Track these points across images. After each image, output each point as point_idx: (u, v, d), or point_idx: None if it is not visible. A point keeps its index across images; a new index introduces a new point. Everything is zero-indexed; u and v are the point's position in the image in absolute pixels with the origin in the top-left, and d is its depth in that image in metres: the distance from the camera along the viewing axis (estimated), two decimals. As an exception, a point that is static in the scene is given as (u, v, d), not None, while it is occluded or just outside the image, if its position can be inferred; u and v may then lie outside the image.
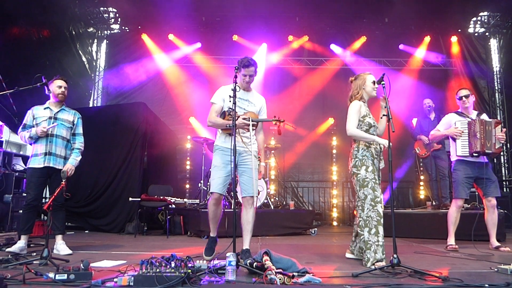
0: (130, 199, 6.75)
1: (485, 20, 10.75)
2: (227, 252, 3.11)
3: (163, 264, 2.73)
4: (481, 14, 10.63)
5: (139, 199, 6.74)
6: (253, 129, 3.89)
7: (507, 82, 10.34)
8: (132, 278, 2.65)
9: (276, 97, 10.38)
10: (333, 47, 10.68)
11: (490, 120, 4.88)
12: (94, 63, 10.83)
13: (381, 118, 3.95)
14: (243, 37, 10.60)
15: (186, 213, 6.99)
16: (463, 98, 5.00)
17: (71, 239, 5.11)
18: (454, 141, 4.95)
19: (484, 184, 4.84)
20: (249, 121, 3.83)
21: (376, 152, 3.87)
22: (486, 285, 2.78)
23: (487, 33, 10.96)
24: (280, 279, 2.73)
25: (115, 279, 2.72)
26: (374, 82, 3.96)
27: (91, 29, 10.70)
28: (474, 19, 10.77)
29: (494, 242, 4.87)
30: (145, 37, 10.58)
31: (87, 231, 7.23)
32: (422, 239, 6.03)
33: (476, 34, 11.00)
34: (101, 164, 7.33)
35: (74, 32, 9.69)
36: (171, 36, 10.55)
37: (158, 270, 2.67)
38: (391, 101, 3.73)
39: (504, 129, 4.88)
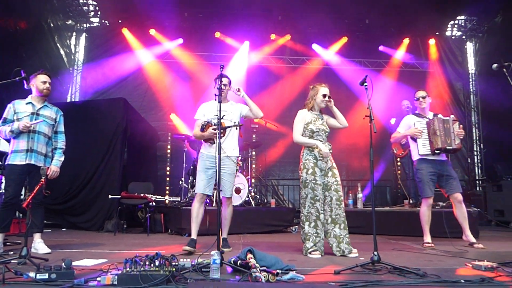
0: (110, 196, 6.66)
1: (462, 24, 11.05)
2: (211, 250, 3.11)
3: (148, 263, 2.72)
4: (458, 18, 10.92)
5: (119, 196, 6.66)
6: (221, 136, 4.29)
7: (482, 85, 10.66)
8: (116, 277, 2.62)
9: (258, 95, 10.40)
10: (315, 46, 10.77)
11: (448, 118, 5.09)
12: (72, 57, 10.60)
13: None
14: (226, 34, 10.57)
15: (167, 210, 6.94)
16: (420, 99, 5.21)
17: (48, 237, 5.01)
18: (414, 141, 5.13)
19: (445, 182, 5.02)
20: (216, 130, 4.26)
21: (320, 154, 4.23)
22: (462, 281, 2.88)
23: (463, 37, 11.27)
24: (264, 277, 2.75)
25: (98, 278, 2.68)
26: (324, 95, 4.39)
27: (69, 21, 10.47)
28: (452, 22, 11.07)
29: (470, 236, 5.00)
30: (125, 31, 10.42)
31: (64, 229, 7.08)
32: (400, 237, 6.16)
33: (453, 37, 11.30)
34: (80, 160, 7.17)
35: (52, 25, 9.46)
36: (152, 31, 10.42)
37: (142, 268, 2.66)
38: (372, 102, 3.82)
39: (461, 125, 5.09)
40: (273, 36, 10.73)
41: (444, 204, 6.83)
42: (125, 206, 6.83)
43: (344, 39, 10.79)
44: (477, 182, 10.59)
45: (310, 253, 4.08)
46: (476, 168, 10.80)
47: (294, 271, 2.99)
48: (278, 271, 2.90)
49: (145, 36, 10.44)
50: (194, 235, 4.42)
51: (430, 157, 5.02)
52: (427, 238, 5.09)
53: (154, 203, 6.96)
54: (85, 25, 10.91)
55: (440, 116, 5.14)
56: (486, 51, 10.63)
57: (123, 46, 10.38)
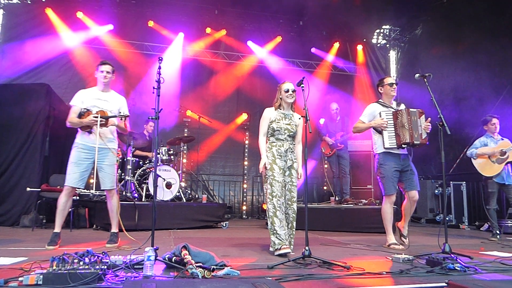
0: (28, 189, 6.16)
1: (387, 33, 11.79)
2: (145, 246, 3.02)
3: (77, 261, 2.57)
4: (383, 27, 11.63)
5: (39, 189, 6.21)
6: (103, 125, 4.37)
7: (402, 91, 11.48)
8: (41, 276, 2.44)
9: (192, 88, 10.30)
10: (250, 44, 10.84)
11: (415, 110, 4.69)
12: (-14, 35, 9.59)
13: (292, 128, 4.27)
14: (160, 24, 10.24)
15: (92, 205, 6.61)
16: (394, 85, 4.79)
17: (-46, 234, 4.53)
18: (379, 133, 4.76)
19: (406, 177, 4.75)
20: (97, 117, 4.28)
21: (278, 153, 4.20)
22: (384, 272, 3.13)
23: (387, 45, 12.02)
24: (200, 273, 2.74)
25: (20, 278, 2.48)
26: (287, 90, 4.30)
27: (-16, -4, 9.46)
28: (378, 31, 11.75)
29: (406, 228, 4.87)
30: (49, 12, 9.62)
31: (-29, 224, 6.46)
32: (326, 232, 6.48)
33: (378, 45, 12.01)
34: (-8, 149, 6.58)
35: (-37, -2, 8.49)
36: (79, 14, 9.75)
37: (71, 267, 2.51)
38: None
39: (429, 118, 4.67)
40: (208, 30, 10.61)
41: (366, 201, 7.32)
42: (45, 199, 6.38)
43: (279, 39, 10.99)
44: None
45: (280, 249, 3.89)
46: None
47: (229, 267, 3.01)
48: (213, 266, 2.91)
49: (71, 19, 9.72)
50: (58, 229, 4.37)
51: (394, 151, 4.69)
52: (392, 238, 4.77)
53: (78, 197, 6.57)
54: (2, 1, 9.88)
55: (403, 107, 4.85)
56: (406, 60, 11.49)
57: (46, 27, 9.57)
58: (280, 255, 3.84)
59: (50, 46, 9.41)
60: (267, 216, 4.11)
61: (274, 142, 4.27)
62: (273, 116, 4.31)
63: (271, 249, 4.04)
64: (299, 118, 4.33)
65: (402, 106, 4.92)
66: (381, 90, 4.92)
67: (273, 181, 4.09)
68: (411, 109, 4.68)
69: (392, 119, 4.68)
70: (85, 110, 4.39)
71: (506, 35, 7.82)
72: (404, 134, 4.56)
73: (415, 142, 4.56)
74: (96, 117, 4.29)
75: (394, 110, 4.72)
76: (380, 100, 4.95)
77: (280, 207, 4.07)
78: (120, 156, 6.64)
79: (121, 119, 4.50)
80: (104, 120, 4.35)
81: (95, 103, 4.46)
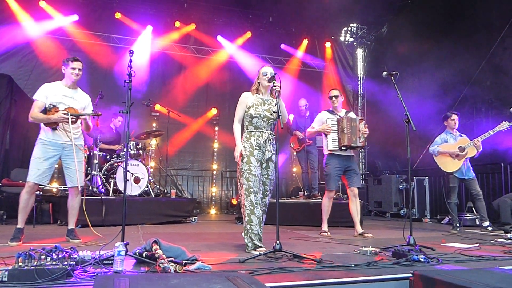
0: (-13, 184, 5.93)
1: (354, 31, 12.05)
2: (116, 241, 2.97)
3: (44, 256, 2.49)
4: (351, 25, 11.89)
5: (-1, 184, 5.98)
6: (73, 123, 4.24)
7: (368, 88, 11.81)
8: (6, 272, 2.35)
9: (161, 82, 10.16)
10: (220, 38, 10.79)
11: (355, 117, 5.41)
12: None
13: (271, 115, 4.14)
14: (127, 16, 10.01)
15: (57, 200, 6.41)
16: (333, 98, 5.52)
17: None
18: (326, 137, 5.44)
19: (349, 175, 5.44)
20: (67, 115, 4.17)
21: (257, 144, 3.93)
22: (352, 265, 3.20)
23: (355, 43, 12.29)
24: (172, 267, 2.73)
25: (-18, 275, 2.39)
26: (265, 73, 4.06)
27: None
28: (346, 28, 11.99)
29: (359, 229, 5.37)
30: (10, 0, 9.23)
31: None
32: (295, 226, 6.57)
33: (346, 42, 12.25)
34: (-52, 142, 6.26)
35: None
36: (42, 3, 9.37)
37: (38, 262, 2.43)
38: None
39: (367, 125, 5.44)
40: (177, 24, 10.46)
41: (335, 196, 7.45)
42: (5, 194, 6.14)
43: (248, 34, 11.00)
44: (361, 176, 11.72)
45: (254, 249, 3.77)
46: (360, 163, 11.94)
47: (200, 261, 3.01)
48: (185, 261, 2.90)
49: (33, 8, 9.32)
50: (21, 224, 4.25)
51: (338, 152, 5.34)
52: (325, 227, 5.51)
53: (41, 192, 6.36)
54: (-42, -12, 9.39)
55: (349, 115, 5.45)
56: (372, 58, 11.80)
57: (6, 16, 9.13)
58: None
59: (10, 36, 9.02)
60: (243, 214, 3.91)
61: (253, 131, 3.99)
62: (250, 101, 4.05)
63: (248, 249, 3.86)
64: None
65: (352, 114, 5.50)
66: (329, 101, 5.64)
67: (249, 176, 3.81)
68: (352, 117, 5.40)
69: (336, 125, 5.35)
70: (52, 106, 4.18)
71: (467, 35, 8.18)
72: (343, 138, 5.26)
73: (352, 144, 5.26)
74: (65, 114, 4.14)
75: (338, 117, 5.38)
76: (330, 108, 5.64)
77: (258, 203, 3.82)
78: (87, 152, 6.46)
79: (93, 118, 4.45)
80: (74, 118, 4.23)
81: (61, 99, 4.26)
